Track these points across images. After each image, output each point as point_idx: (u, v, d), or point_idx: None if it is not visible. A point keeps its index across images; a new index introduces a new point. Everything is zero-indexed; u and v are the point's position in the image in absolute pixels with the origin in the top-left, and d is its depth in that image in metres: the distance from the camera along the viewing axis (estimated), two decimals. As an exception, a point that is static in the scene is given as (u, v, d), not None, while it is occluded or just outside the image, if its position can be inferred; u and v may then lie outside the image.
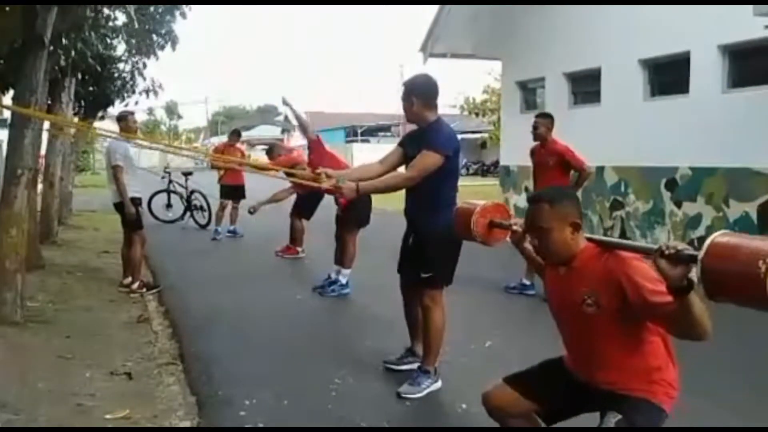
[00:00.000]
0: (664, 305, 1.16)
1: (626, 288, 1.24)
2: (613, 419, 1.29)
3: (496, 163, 13.76)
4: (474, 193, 11.33)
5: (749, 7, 4.07)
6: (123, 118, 4.07)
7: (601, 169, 5.95)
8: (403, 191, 2.31)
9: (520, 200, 7.22)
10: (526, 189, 7.04)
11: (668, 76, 5.59)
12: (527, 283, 3.84)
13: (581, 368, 1.43)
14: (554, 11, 6.69)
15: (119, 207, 3.91)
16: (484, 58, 9.09)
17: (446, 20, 7.56)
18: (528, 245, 1.54)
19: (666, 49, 5.41)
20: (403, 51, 63.13)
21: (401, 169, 2.31)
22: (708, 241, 1.01)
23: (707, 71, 5.06)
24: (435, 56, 8.04)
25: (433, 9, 7.71)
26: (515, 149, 7.26)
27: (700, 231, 5.07)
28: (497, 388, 1.52)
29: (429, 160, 2.17)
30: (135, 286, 3.90)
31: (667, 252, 1.05)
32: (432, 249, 2.23)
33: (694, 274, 1.03)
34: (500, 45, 7.60)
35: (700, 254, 0.99)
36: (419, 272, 2.25)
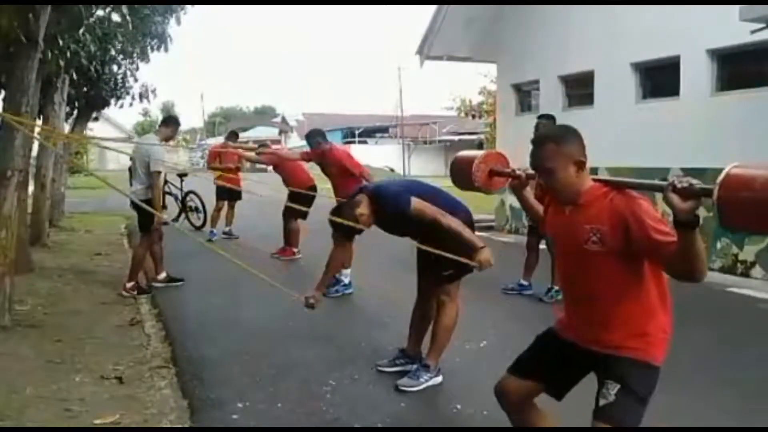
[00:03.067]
0: (667, 244, 1.20)
1: (631, 225, 1.26)
2: (612, 390, 1.30)
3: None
4: (471, 193, 11.44)
5: (736, 13, 4.15)
6: (169, 123, 4.01)
7: (594, 170, 5.98)
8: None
9: (515, 201, 7.24)
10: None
11: (659, 79, 5.66)
12: (525, 283, 3.83)
13: (577, 326, 1.43)
14: (549, 16, 6.74)
15: (137, 207, 3.87)
16: (480, 61, 9.15)
17: (443, 23, 7.60)
18: (528, 192, 1.57)
19: (657, 53, 5.49)
20: (400, 52, 63.56)
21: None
22: (723, 173, 1.06)
23: (696, 75, 5.14)
24: (432, 59, 8.08)
25: (430, 11, 7.76)
26: (511, 150, 7.24)
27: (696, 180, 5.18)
28: (504, 379, 1.53)
29: None
30: (129, 285, 3.85)
31: (679, 186, 1.10)
32: (448, 248, 2.27)
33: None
34: (496, 48, 7.65)
35: (719, 179, 1.05)
36: (441, 272, 2.30)
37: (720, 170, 1.10)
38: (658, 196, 1.20)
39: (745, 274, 4.70)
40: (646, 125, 5.60)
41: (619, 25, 5.86)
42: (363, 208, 2.27)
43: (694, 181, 1.09)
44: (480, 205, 9.12)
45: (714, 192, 1.04)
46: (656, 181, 1.22)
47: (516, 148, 6.58)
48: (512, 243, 6.21)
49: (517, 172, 1.57)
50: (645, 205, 1.28)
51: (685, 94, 5.28)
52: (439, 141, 24.81)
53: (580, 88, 6.61)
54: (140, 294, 3.87)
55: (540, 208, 1.56)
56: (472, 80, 35.30)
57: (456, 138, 24.26)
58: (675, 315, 1.39)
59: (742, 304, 3.88)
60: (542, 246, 3.79)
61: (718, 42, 4.92)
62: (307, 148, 4.32)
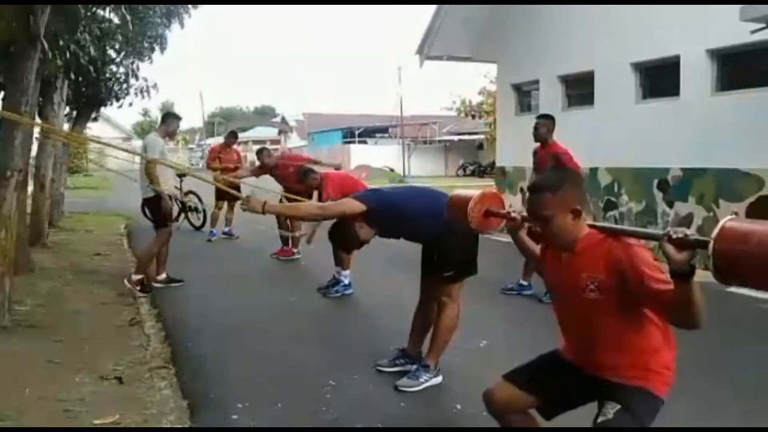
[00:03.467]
0: (665, 292, 1.19)
1: (628, 273, 1.25)
2: (611, 409, 1.30)
3: (492, 164, 13.83)
4: (469, 194, 11.45)
5: (737, 13, 4.16)
6: (168, 120, 4.03)
7: (594, 170, 6.00)
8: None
9: (516, 201, 7.24)
10: (521, 190, 7.07)
11: (659, 79, 5.66)
12: (525, 283, 3.85)
13: (580, 356, 1.44)
14: (549, 15, 6.75)
15: (149, 202, 3.86)
16: (480, 61, 9.16)
17: (443, 23, 7.61)
18: (523, 234, 1.56)
19: (657, 53, 5.49)
20: (400, 52, 63.62)
21: None
22: (719, 226, 1.03)
23: (696, 74, 5.15)
24: (432, 59, 8.09)
25: (429, 11, 7.76)
26: (511, 150, 7.29)
27: (691, 230, 5.17)
28: (497, 385, 1.53)
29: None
30: (135, 279, 3.84)
31: (674, 236, 1.07)
32: (449, 250, 2.30)
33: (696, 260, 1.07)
34: (496, 48, 7.66)
35: (715, 232, 1.02)
36: (441, 272, 2.32)
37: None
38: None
39: (745, 274, 4.70)
40: (646, 125, 5.60)
41: (619, 25, 5.86)
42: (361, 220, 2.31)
43: (690, 232, 1.08)
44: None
45: (710, 245, 1.03)
46: (652, 230, 1.21)
47: (516, 148, 6.56)
48: (512, 243, 6.20)
49: (513, 214, 1.55)
50: (641, 253, 1.27)
51: (685, 94, 5.28)
52: (439, 141, 24.82)
53: (580, 88, 6.61)
54: (141, 293, 3.87)
55: (536, 248, 1.56)
56: (472, 80, 35.35)
57: (456, 138, 24.27)
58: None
59: (742, 304, 3.88)
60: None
61: (718, 42, 4.92)
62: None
